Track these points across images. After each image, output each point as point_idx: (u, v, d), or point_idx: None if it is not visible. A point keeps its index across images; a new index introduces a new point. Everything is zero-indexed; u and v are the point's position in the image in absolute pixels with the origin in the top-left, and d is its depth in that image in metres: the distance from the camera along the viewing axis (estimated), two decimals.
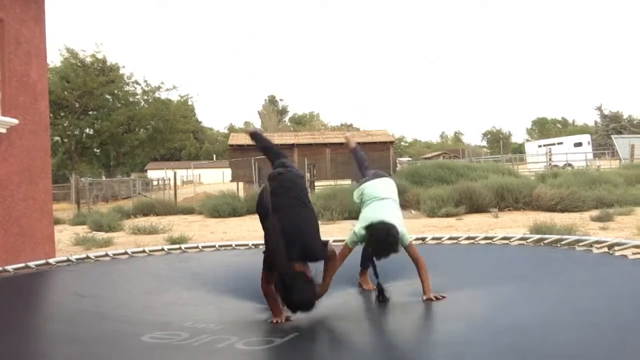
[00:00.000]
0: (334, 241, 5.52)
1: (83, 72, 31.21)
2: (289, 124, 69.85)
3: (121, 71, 33.88)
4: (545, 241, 4.80)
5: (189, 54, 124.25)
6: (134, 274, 4.71)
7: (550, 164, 27.81)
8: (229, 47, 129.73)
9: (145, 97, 35.03)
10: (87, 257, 5.06)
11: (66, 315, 3.33)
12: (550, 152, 29.03)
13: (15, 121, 5.87)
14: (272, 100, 72.25)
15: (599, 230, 9.21)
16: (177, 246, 5.86)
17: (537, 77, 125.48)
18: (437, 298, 2.87)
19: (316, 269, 2.77)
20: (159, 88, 34.75)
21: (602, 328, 2.47)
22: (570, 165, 27.45)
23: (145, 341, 2.53)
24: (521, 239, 5.04)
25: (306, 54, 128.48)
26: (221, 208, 16.31)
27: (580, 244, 4.53)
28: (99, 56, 32.64)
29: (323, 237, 3.01)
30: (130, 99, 34.59)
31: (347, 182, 24.12)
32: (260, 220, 2.98)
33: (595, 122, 57.80)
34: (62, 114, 31.49)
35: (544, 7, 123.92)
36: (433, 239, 5.41)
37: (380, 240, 2.92)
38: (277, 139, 26.01)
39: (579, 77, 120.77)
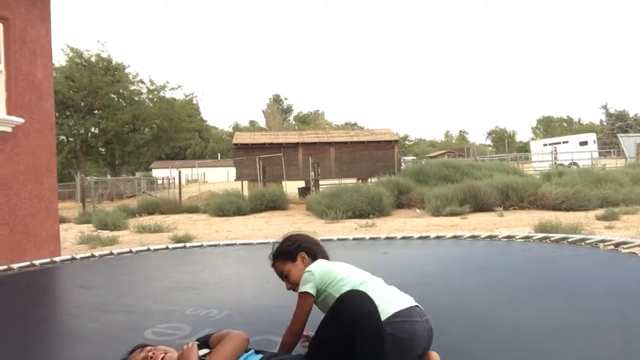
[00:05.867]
0: (338, 239, 5.54)
1: (88, 72, 31.30)
2: (293, 122, 69.86)
3: (126, 70, 33.98)
4: (551, 239, 4.78)
5: (194, 53, 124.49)
6: (137, 266, 4.74)
7: (555, 163, 27.68)
8: (234, 46, 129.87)
9: (150, 96, 35.11)
10: (92, 256, 5.07)
11: (71, 309, 3.35)
12: (555, 150, 28.91)
13: (20, 120, 5.89)
14: (276, 99, 72.27)
15: (605, 229, 9.16)
16: (181, 245, 5.87)
17: (542, 75, 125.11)
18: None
19: None
20: (164, 87, 34.84)
21: (606, 330, 2.46)
22: (575, 164, 27.33)
23: (148, 338, 2.53)
24: (526, 237, 5.02)
25: (311, 53, 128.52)
26: (226, 207, 16.34)
27: (585, 242, 4.51)
28: (104, 55, 32.77)
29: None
30: (136, 98, 34.66)
31: (352, 181, 24.09)
32: None
33: (601, 121, 57.54)
34: (67, 113, 31.60)
35: (549, 5, 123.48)
36: (437, 237, 5.40)
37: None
38: (281, 137, 26.01)
39: (584, 76, 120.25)
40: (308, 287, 2.10)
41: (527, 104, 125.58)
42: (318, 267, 2.16)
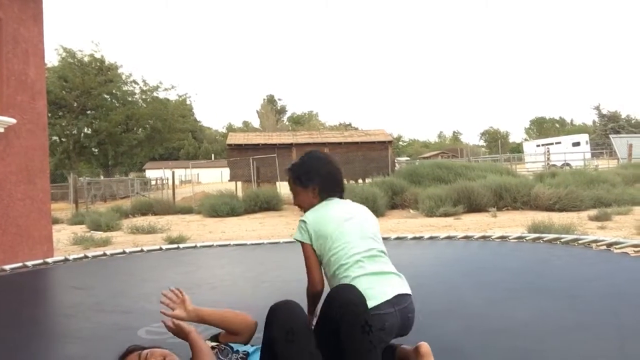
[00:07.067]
0: None
1: (81, 72, 31.15)
2: (287, 123, 69.79)
3: (119, 70, 33.85)
4: (544, 239, 4.81)
5: (188, 53, 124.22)
6: (130, 267, 4.72)
7: (548, 164, 27.81)
8: (228, 46, 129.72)
9: (144, 97, 34.97)
10: (85, 257, 5.05)
11: (64, 309, 3.34)
12: (548, 151, 29.02)
13: (13, 120, 5.85)
14: (270, 100, 72.16)
15: (597, 230, 9.21)
16: (175, 245, 5.85)
17: (535, 76, 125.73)
18: None
19: None
20: (157, 87, 34.71)
21: (599, 329, 2.47)
22: (568, 164, 27.46)
23: (142, 337, 2.52)
24: (519, 237, 5.04)
25: (304, 54, 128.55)
26: (219, 208, 16.30)
27: (578, 242, 4.53)
28: (97, 55, 32.63)
29: None
30: (129, 99, 34.52)
31: (345, 181, 24.09)
32: None
33: (594, 122, 57.86)
34: (60, 114, 31.44)
35: (543, 6, 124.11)
36: (430, 238, 5.41)
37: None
38: (275, 138, 26.01)
39: (577, 77, 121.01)
40: (300, 237, 2.15)
41: (521, 104, 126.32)
42: (312, 223, 2.14)
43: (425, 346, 1.97)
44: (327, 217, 2.14)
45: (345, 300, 1.78)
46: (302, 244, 2.14)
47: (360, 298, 1.81)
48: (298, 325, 1.72)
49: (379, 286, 2.00)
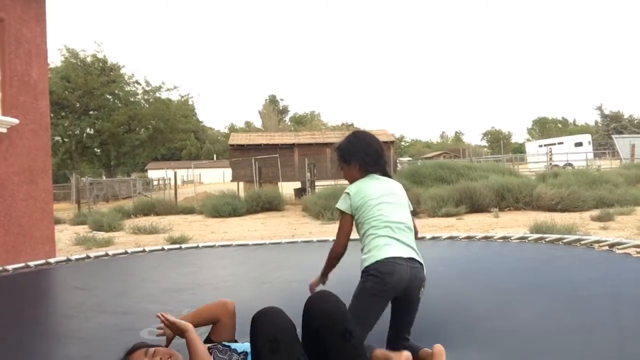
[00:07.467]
0: (334, 240, 5.53)
1: (84, 72, 31.21)
2: (289, 123, 69.81)
3: (122, 71, 33.91)
4: (546, 240, 4.79)
5: (190, 53, 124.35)
6: (132, 267, 4.73)
7: (550, 164, 27.76)
8: (230, 46, 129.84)
9: (146, 97, 35.05)
10: (87, 257, 5.05)
11: (66, 310, 3.34)
12: (550, 152, 28.97)
13: (15, 121, 5.87)
14: (272, 100, 72.20)
15: (600, 230, 9.20)
16: (177, 246, 5.85)
17: (537, 76, 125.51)
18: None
19: None
20: (159, 88, 34.78)
21: (601, 330, 2.47)
22: (570, 165, 27.41)
23: (144, 338, 2.52)
24: (521, 238, 5.03)
25: (306, 54, 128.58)
26: (221, 208, 16.32)
27: (580, 243, 4.52)
28: (100, 56, 32.69)
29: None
30: (131, 99, 34.59)
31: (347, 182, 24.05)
32: None
33: (596, 122, 57.75)
34: (62, 114, 31.51)
35: (545, 6, 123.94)
36: (432, 238, 5.40)
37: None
38: (277, 138, 26.00)
39: (579, 77, 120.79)
40: (342, 206, 2.35)
41: (523, 105, 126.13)
42: (355, 194, 2.31)
43: (438, 347, 2.04)
44: (368, 190, 2.32)
45: (322, 310, 1.78)
46: (342, 212, 2.35)
47: (337, 306, 1.82)
48: (282, 332, 1.71)
49: (397, 246, 2.16)
